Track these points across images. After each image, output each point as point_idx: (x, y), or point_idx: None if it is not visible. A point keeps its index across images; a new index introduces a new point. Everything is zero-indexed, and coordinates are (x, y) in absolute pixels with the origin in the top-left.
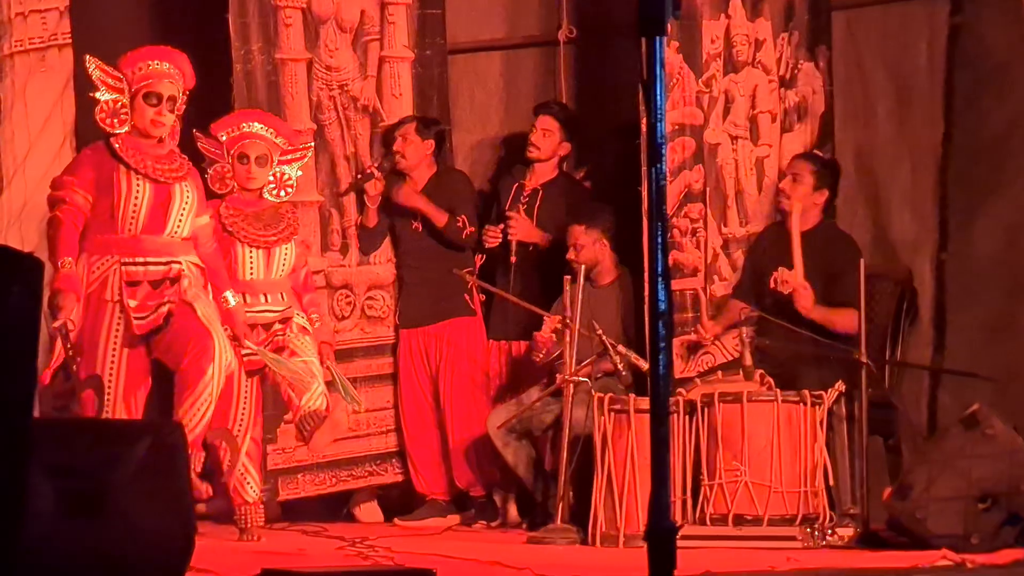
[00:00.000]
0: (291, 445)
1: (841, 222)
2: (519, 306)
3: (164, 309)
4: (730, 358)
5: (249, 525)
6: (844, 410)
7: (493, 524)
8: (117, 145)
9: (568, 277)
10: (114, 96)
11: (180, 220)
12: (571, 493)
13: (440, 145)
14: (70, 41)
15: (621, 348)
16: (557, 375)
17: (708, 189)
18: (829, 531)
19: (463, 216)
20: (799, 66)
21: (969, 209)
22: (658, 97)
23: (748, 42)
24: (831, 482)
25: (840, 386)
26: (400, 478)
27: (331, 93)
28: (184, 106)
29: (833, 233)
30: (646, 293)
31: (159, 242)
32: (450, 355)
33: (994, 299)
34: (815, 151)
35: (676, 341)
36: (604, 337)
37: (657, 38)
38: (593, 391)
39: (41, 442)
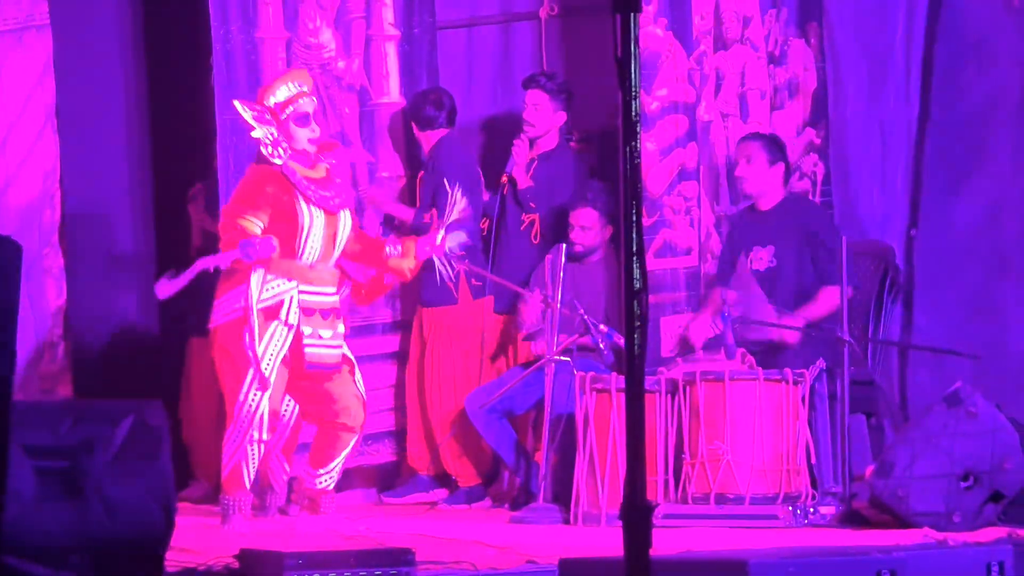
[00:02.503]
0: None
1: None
2: (510, 284)
3: (336, 352)
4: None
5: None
6: (826, 388)
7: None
8: (291, 175)
9: (549, 256)
10: (269, 128)
11: (340, 246)
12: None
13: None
14: (48, 22)
15: (603, 327)
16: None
17: (701, 167)
18: (811, 509)
19: (434, 210)
20: (788, 43)
21: (948, 185)
22: (632, 75)
23: (737, 19)
24: (813, 460)
25: (822, 364)
26: (393, 458)
27: (312, 72)
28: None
29: (801, 204)
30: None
31: (328, 273)
32: (433, 341)
33: (974, 276)
34: (808, 128)
35: (668, 320)
36: (585, 316)
37: (631, 15)
38: (575, 370)
39: (22, 423)
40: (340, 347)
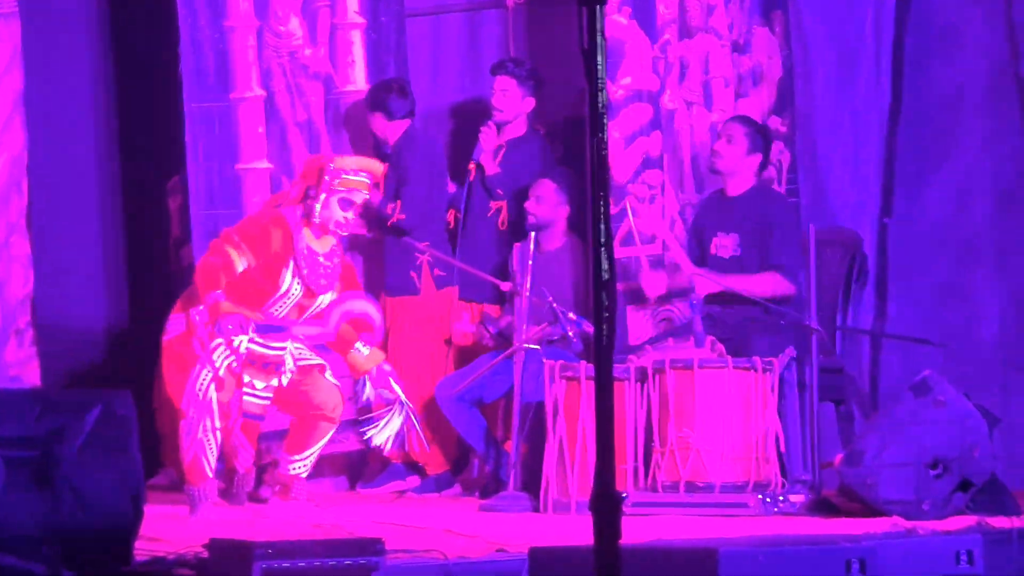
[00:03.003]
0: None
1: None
2: (478, 271)
3: (261, 403)
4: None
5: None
6: (795, 376)
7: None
8: (298, 240)
9: (518, 244)
10: (322, 197)
11: (305, 318)
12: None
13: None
14: (16, 10)
15: (571, 315)
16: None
17: (665, 155)
18: (781, 498)
19: (391, 204)
20: (752, 31)
21: (918, 174)
22: (599, 66)
23: (701, 7)
24: (782, 449)
25: (791, 352)
26: (360, 446)
27: (280, 60)
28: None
29: (767, 195)
30: (590, 261)
31: (287, 333)
32: (395, 332)
33: (944, 264)
34: (773, 116)
35: (631, 309)
36: (554, 304)
37: (597, 6)
38: (544, 358)
39: None
40: (267, 399)
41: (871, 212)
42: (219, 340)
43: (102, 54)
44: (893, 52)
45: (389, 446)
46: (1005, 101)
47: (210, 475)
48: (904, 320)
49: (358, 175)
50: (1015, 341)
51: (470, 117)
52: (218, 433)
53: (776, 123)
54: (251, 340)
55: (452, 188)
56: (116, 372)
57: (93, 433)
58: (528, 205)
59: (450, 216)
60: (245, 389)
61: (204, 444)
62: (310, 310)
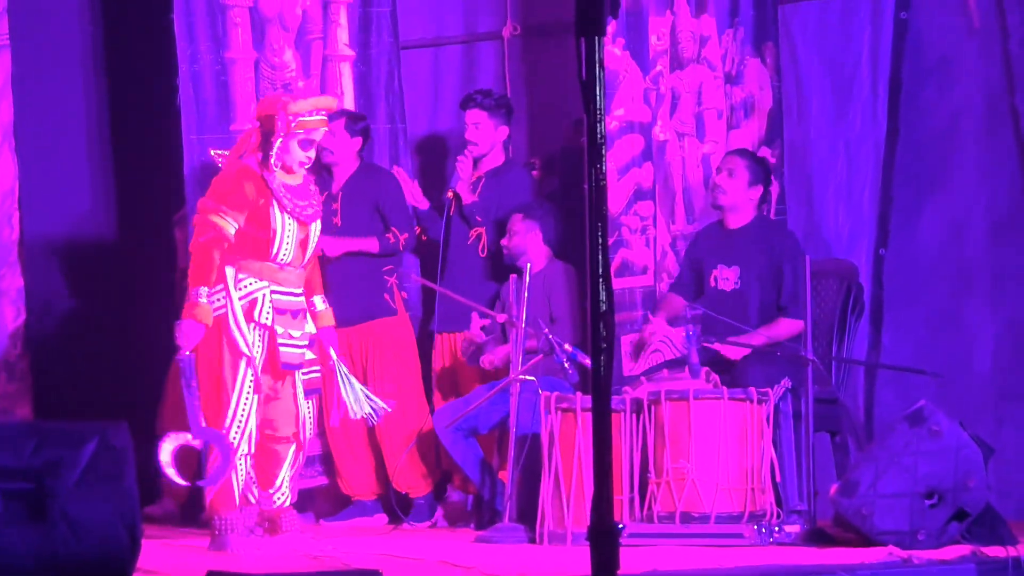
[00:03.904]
0: None
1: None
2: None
3: (305, 354)
4: (677, 355)
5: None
6: (790, 407)
7: (428, 524)
8: (270, 179)
9: (514, 276)
10: (279, 141)
11: (310, 251)
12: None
13: (366, 141)
14: (8, 43)
15: (567, 346)
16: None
17: (657, 186)
18: (776, 528)
19: (393, 229)
20: (745, 62)
21: (913, 204)
22: (598, 97)
23: (693, 38)
24: (778, 479)
25: (786, 383)
26: (325, 481)
27: (275, 92)
28: None
29: (770, 227)
30: (588, 293)
31: (296, 275)
32: (375, 357)
33: (938, 294)
34: (763, 147)
35: (626, 339)
36: (550, 335)
37: (596, 38)
38: (540, 390)
39: None
40: (306, 347)
41: (866, 242)
42: (245, 372)
43: (95, 86)
44: (889, 82)
45: (366, 408)
46: (1000, 132)
47: (237, 503)
48: (899, 350)
49: (314, 115)
50: (1009, 371)
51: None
52: (250, 459)
53: (766, 154)
54: (272, 292)
55: (425, 205)
56: (109, 405)
57: (89, 465)
58: (503, 241)
59: (416, 230)
60: (284, 341)
61: (236, 469)
62: (309, 245)
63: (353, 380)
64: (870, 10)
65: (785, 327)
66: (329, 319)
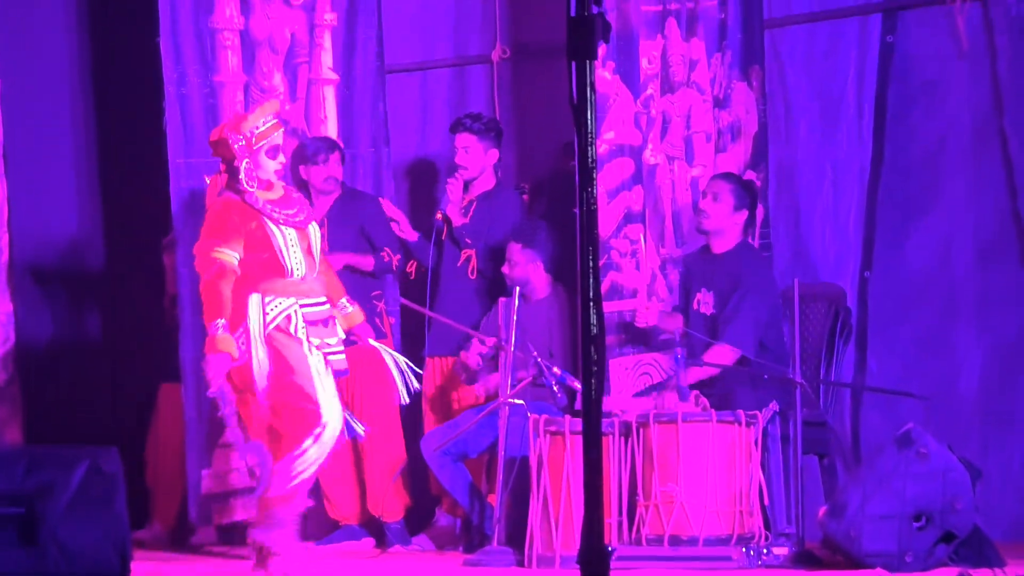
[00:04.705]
0: (225, 470)
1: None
2: (453, 322)
3: (344, 359)
4: (666, 378)
5: None
6: (779, 430)
7: (409, 548)
8: (253, 202)
9: (503, 299)
10: (245, 160)
11: (316, 258)
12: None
13: (342, 165)
14: None
15: (556, 369)
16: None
17: (647, 210)
18: (765, 550)
19: (386, 248)
20: (732, 86)
21: (900, 226)
22: (589, 121)
23: (684, 62)
24: (766, 501)
25: (775, 406)
26: (310, 503)
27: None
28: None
29: (749, 255)
30: (579, 316)
31: (317, 284)
32: (361, 380)
33: (925, 317)
34: (749, 171)
35: (615, 362)
36: (539, 358)
37: (587, 61)
38: (529, 413)
39: None
40: (343, 350)
41: (852, 265)
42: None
43: (83, 110)
44: (875, 105)
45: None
46: (987, 154)
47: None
48: (885, 373)
49: (267, 122)
50: (996, 393)
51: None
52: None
53: (752, 177)
54: (301, 306)
55: (414, 237)
56: (100, 429)
57: (80, 489)
58: (504, 270)
59: (411, 267)
60: (324, 350)
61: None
62: (314, 250)
63: (398, 356)
64: (857, 33)
65: (720, 352)
66: (359, 316)
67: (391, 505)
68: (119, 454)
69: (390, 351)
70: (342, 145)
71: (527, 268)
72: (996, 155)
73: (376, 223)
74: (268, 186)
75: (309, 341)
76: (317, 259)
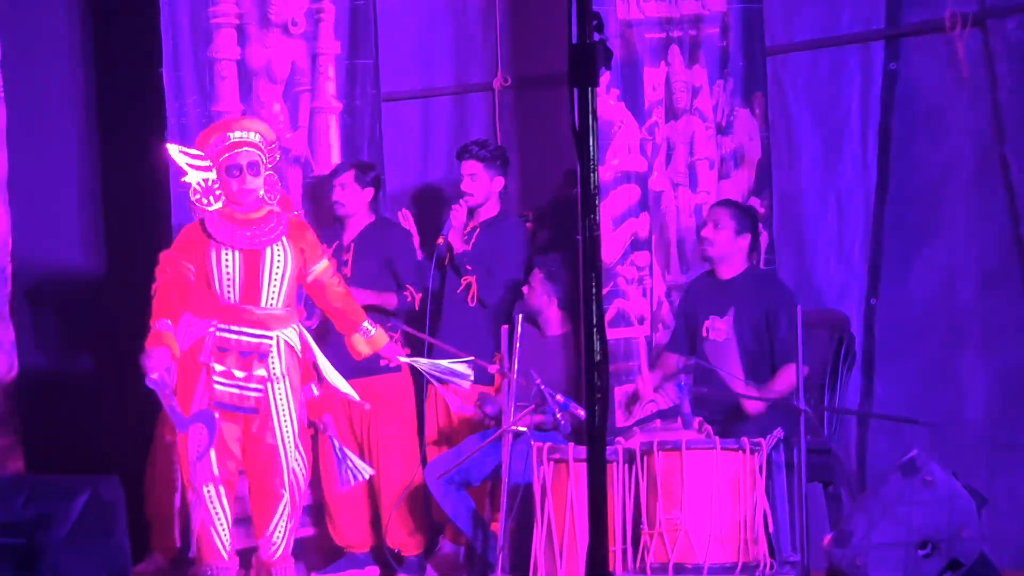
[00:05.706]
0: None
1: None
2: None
3: (251, 395)
4: (670, 405)
5: None
6: (783, 457)
7: None
8: (207, 221)
9: (506, 326)
10: (204, 176)
11: (275, 284)
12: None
13: (378, 192)
14: (3, 96)
15: (559, 396)
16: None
17: (653, 236)
18: None
19: (409, 287)
20: (735, 113)
21: (904, 254)
22: (591, 148)
23: (687, 89)
24: (771, 529)
25: (779, 433)
26: (312, 531)
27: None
28: (273, 160)
29: (762, 278)
30: (582, 343)
31: (256, 315)
32: (375, 412)
33: (930, 345)
34: (753, 197)
35: (621, 389)
36: (542, 386)
37: (589, 88)
38: (532, 440)
39: None
40: (257, 391)
41: (857, 293)
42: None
43: (87, 139)
44: (879, 133)
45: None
46: (990, 182)
47: (223, 554)
48: (891, 400)
49: (230, 136)
50: (1002, 421)
51: (458, 199)
52: (227, 503)
53: (755, 204)
54: (218, 330)
55: (419, 257)
56: (102, 459)
57: (80, 519)
58: (524, 289)
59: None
60: (220, 380)
61: (213, 518)
62: (264, 279)
63: (347, 451)
64: (859, 60)
65: (785, 377)
66: (384, 338)
67: (407, 539)
68: (120, 483)
69: (421, 360)
70: (371, 168)
71: (542, 300)
72: (999, 183)
73: (403, 256)
74: (252, 206)
75: (211, 366)
76: (271, 287)
